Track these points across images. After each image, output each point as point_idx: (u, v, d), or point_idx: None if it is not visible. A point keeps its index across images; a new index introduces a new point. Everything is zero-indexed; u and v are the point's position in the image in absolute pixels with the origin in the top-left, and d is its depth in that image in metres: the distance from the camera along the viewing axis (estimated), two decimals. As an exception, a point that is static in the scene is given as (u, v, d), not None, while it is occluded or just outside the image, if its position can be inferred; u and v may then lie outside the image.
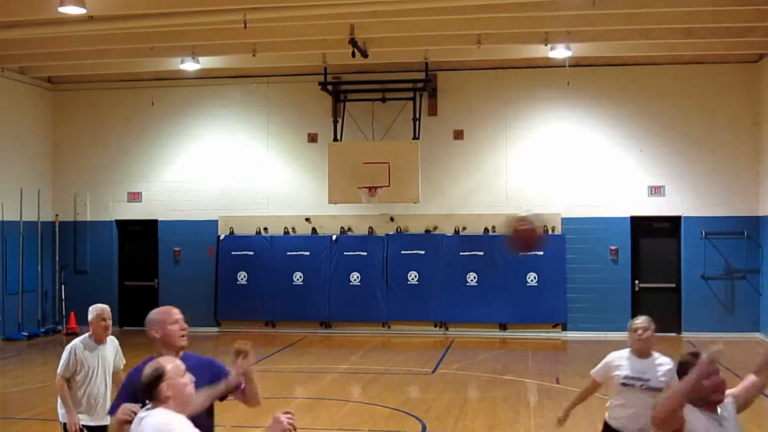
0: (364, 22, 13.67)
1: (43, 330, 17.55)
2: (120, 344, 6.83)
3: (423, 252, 17.11)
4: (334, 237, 17.50)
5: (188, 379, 4.14)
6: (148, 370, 4.18)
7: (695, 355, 4.48)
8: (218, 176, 18.06)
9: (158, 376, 4.19)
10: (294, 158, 17.89)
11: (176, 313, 4.66)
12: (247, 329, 17.41)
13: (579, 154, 16.99)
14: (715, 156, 16.63)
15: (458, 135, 17.38)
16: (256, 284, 17.67)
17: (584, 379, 12.03)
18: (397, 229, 17.40)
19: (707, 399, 4.69)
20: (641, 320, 6.02)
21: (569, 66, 16.14)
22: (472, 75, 17.36)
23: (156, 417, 4.05)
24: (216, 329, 17.77)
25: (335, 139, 16.73)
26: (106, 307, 6.59)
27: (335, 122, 16.85)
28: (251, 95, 18.08)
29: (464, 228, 17.19)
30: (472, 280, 16.98)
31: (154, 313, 4.64)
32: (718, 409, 4.79)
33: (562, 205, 16.92)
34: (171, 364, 4.15)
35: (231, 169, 18.04)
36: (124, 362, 6.78)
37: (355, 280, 17.17)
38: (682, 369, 4.65)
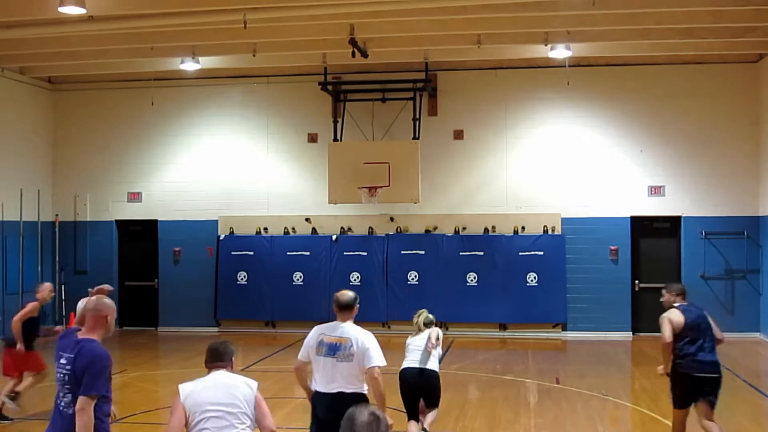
0: (364, 22, 13.66)
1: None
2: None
3: (423, 252, 17.11)
4: (334, 237, 17.49)
5: None
6: (349, 293, 6.47)
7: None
8: (218, 176, 18.06)
9: (357, 298, 6.47)
10: (294, 158, 17.89)
11: None
12: (246, 329, 17.43)
13: (579, 154, 16.99)
14: (715, 156, 16.62)
15: (458, 135, 17.37)
16: (256, 284, 17.66)
17: (584, 379, 12.07)
18: (397, 229, 17.40)
19: None
20: None
21: (569, 66, 16.13)
22: (472, 75, 17.36)
23: (357, 328, 6.34)
24: (216, 329, 17.77)
25: (335, 139, 16.73)
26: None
27: (335, 122, 16.85)
28: (251, 95, 18.07)
29: (464, 228, 17.18)
30: (472, 280, 16.98)
31: (108, 301, 5.31)
32: None
33: (562, 205, 16.92)
34: None
35: (231, 169, 18.03)
36: None
37: (355, 280, 17.16)
38: None
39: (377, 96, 16.99)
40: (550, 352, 15.34)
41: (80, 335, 5.13)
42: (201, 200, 18.05)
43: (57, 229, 18.44)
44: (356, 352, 6.11)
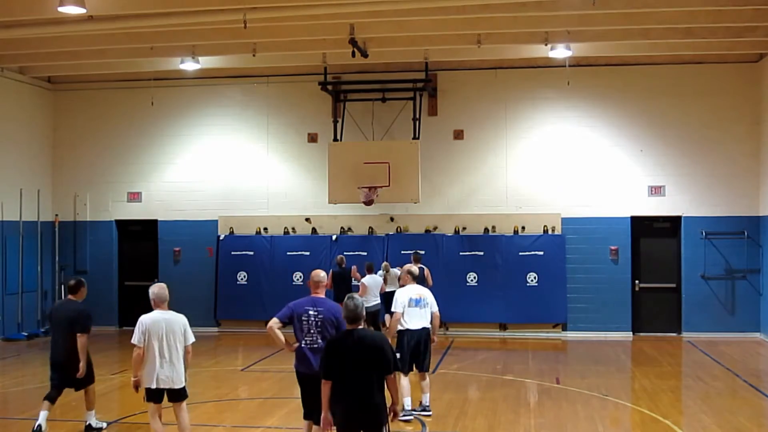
0: (364, 22, 13.66)
1: (42, 330, 17.51)
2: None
3: (423, 252, 17.07)
4: (334, 237, 17.49)
5: None
6: (415, 267, 10.25)
7: None
8: (218, 176, 18.06)
9: (422, 269, 12.28)
10: (294, 158, 17.89)
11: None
12: (246, 329, 17.43)
13: (579, 154, 16.99)
14: (715, 156, 16.62)
15: (458, 135, 17.37)
16: (256, 284, 17.66)
17: (584, 380, 12.07)
18: (397, 229, 17.40)
19: None
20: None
21: (569, 66, 16.14)
22: (472, 75, 17.36)
23: (423, 288, 9.91)
24: (216, 329, 17.77)
25: (335, 139, 16.73)
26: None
27: (335, 122, 16.85)
28: (251, 95, 18.07)
29: (464, 228, 17.18)
30: (472, 280, 16.98)
31: (323, 273, 7.91)
32: None
33: (562, 205, 16.92)
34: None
35: (231, 169, 18.04)
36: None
37: (355, 280, 17.13)
38: None
39: (377, 96, 16.99)
40: (550, 352, 15.33)
41: (313, 295, 7.71)
42: (201, 200, 18.05)
43: (57, 229, 18.44)
44: (429, 302, 9.80)
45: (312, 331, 7.51)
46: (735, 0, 12.91)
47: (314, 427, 7.43)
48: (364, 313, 6.34)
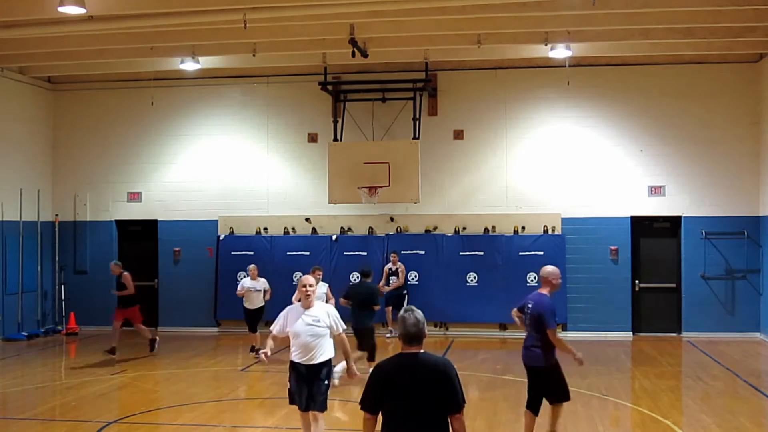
0: (364, 22, 13.67)
1: (42, 330, 17.54)
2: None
3: (423, 252, 17.11)
4: (334, 237, 17.50)
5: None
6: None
7: None
8: (218, 176, 18.07)
9: None
10: (294, 158, 17.89)
11: None
12: (246, 329, 17.41)
13: (579, 154, 16.99)
14: (715, 156, 16.62)
15: (458, 135, 17.38)
16: (256, 284, 17.62)
17: (584, 380, 12.07)
18: (397, 229, 17.40)
19: None
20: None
21: (569, 66, 16.14)
22: (472, 75, 17.36)
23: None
24: (216, 329, 17.76)
25: (335, 139, 16.73)
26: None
27: (335, 122, 16.85)
28: (251, 95, 18.08)
29: (464, 228, 17.19)
30: (472, 280, 16.98)
31: (552, 268, 8.45)
32: None
33: (562, 205, 16.92)
34: None
35: (231, 169, 18.04)
36: None
37: (355, 280, 17.12)
38: None
39: (377, 96, 16.99)
40: (550, 352, 15.30)
41: (539, 290, 8.28)
42: (201, 200, 18.05)
43: (57, 229, 18.44)
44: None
45: (527, 324, 8.09)
46: (735, 0, 12.91)
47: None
48: (426, 330, 4.88)
